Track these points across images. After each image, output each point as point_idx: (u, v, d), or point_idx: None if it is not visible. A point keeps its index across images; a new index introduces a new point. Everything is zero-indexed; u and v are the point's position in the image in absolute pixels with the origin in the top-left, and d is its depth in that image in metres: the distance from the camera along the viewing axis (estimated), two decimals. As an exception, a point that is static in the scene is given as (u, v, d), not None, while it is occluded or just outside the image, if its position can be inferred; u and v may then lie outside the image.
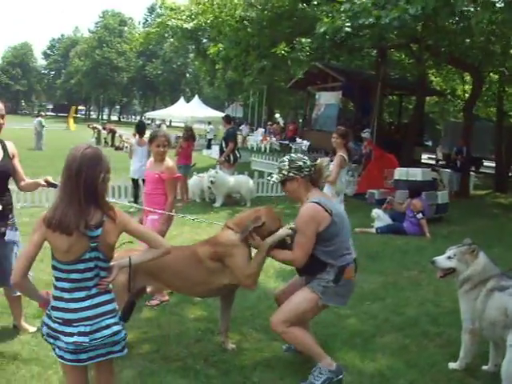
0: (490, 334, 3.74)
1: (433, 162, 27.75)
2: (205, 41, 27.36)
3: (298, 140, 26.64)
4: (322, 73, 21.53)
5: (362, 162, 15.53)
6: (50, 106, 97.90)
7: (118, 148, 25.91)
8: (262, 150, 27.45)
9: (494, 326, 3.62)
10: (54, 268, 2.53)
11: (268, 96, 34.61)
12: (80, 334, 2.45)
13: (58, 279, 2.53)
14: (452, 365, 3.99)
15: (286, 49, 12.36)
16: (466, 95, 24.16)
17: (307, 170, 3.73)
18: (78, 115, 78.62)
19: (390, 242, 8.46)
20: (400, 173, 11.12)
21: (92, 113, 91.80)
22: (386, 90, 22.76)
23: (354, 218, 10.17)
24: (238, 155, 11.94)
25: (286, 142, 28.14)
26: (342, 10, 10.92)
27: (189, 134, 11.99)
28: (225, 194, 11.32)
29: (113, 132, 29.02)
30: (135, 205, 8.99)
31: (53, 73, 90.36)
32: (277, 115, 42.65)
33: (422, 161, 25.29)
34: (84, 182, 2.41)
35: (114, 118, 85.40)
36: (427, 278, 6.36)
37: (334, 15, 11.18)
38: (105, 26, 73.97)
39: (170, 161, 5.25)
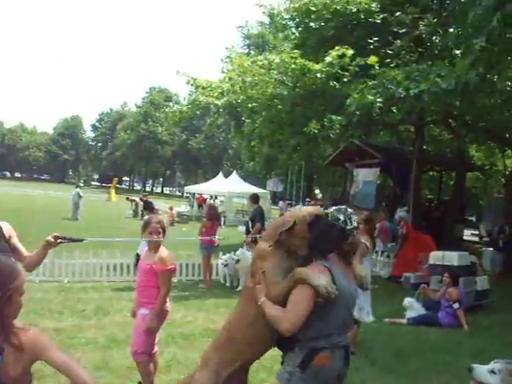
0: None
1: (476, 239, 26.73)
2: (243, 118, 27.79)
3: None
4: (360, 150, 21.33)
5: (398, 242, 14.89)
6: (96, 176, 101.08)
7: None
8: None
9: None
10: None
11: (306, 172, 34.47)
12: None
13: None
14: None
15: (316, 127, 12.22)
16: (508, 170, 23.49)
17: None
18: (122, 186, 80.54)
19: (422, 336, 7.68)
20: (435, 256, 10.46)
21: (136, 184, 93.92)
22: (425, 166, 22.29)
23: (385, 305, 9.53)
24: (265, 235, 11.47)
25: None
26: (371, 84, 10.77)
27: (212, 213, 11.57)
28: (250, 276, 10.73)
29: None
30: None
31: (100, 144, 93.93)
32: (317, 191, 42.36)
33: (465, 237, 24.34)
34: None
35: (158, 189, 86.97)
36: (460, 385, 5.62)
37: (364, 91, 11.00)
38: (151, 101, 76.74)
39: (164, 250, 4.80)
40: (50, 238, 3.79)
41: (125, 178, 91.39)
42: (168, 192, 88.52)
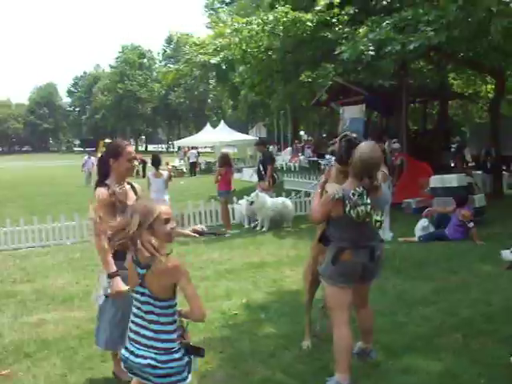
0: None
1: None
2: (225, 67, 28.13)
3: (327, 156, 26.76)
4: (344, 88, 21.83)
5: (394, 173, 15.82)
6: (77, 142, 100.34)
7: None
8: (292, 168, 27.86)
9: None
10: None
11: (291, 114, 35.07)
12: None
13: None
14: (514, 359, 4.32)
15: (311, 75, 12.84)
16: (490, 95, 24.40)
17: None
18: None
19: (434, 249, 8.78)
20: (435, 180, 11.48)
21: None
22: (408, 98, 23.05)
23: (392, 228, 10.59)
24: (277, 177, 12.40)
25: (315, 159, 28.48)
26: (362, 35, 11.43)
27: (225, 161, 12.36)
28: (269, 217, 11.74)
29: (144, 162, 29.71)
30: None
31: (78, 109, 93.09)
32: (301, 132, 43.02)
33: (452, 165, 25.35)
34: None
35: (141, 148, 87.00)
36: (475, 280, 6.76)
37: (355, 39, 11.66)
38: (125, 60, 76.10)
39: None
40: (188, 232, 4.21)
41: (107, 140, 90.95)
42: (152, 149, 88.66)
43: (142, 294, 2.94)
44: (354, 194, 3.77)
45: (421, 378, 4.13)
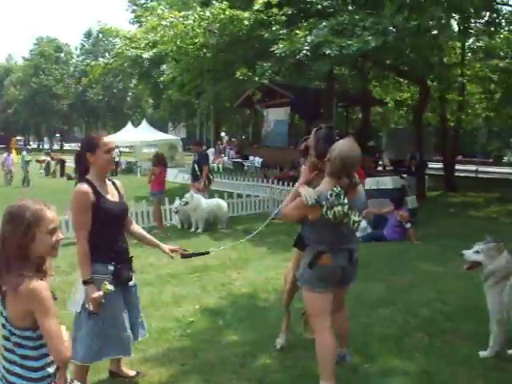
0: None
1: (380, 168, 28.71)
2: (148, 64, 27.40)
3: (251, 157, 26.81)
4: (270, 90, 21.94)
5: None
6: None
7: (70, 178, 24.68)
8: (215, 169, 27.65)
9: None
10: None
11: (214, 115, 34.81)
12: None
13: None
14: (483, 353, 4.44)
15: (247, 72, 12.77)
16: (408, 103, 25.43)
17: None
18: (17, 146, 76.53)
19: (374, 250, 8.90)
20: (371, 182, 11.68)
21: (31, 142, 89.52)
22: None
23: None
24: (212, 177, 12.19)
25: (239, 160, 28.44)
26: (300, 36, 11.51)
27: (159, 160, 11.86)
28: (204, 218, 11.51)
29: (62, 162, 28.67)
30: None
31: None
32: (222, 133, 42.92)
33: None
34: None
35: (56, 146, 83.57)
36: (421, 279, 6.93)
37: (292, 39, 11.71)
38: (40, 52, 72.46)
39: None
40: (165, 249, 4.19)
41: (18, 138, 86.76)
42: (69, 148, 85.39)
43: (1, 314, 2.40)
44: (331, 195, 3.63)
45: (401, 379, 4.10)
